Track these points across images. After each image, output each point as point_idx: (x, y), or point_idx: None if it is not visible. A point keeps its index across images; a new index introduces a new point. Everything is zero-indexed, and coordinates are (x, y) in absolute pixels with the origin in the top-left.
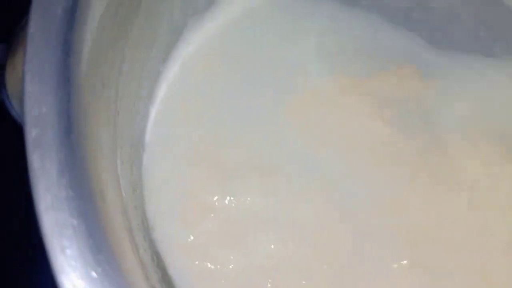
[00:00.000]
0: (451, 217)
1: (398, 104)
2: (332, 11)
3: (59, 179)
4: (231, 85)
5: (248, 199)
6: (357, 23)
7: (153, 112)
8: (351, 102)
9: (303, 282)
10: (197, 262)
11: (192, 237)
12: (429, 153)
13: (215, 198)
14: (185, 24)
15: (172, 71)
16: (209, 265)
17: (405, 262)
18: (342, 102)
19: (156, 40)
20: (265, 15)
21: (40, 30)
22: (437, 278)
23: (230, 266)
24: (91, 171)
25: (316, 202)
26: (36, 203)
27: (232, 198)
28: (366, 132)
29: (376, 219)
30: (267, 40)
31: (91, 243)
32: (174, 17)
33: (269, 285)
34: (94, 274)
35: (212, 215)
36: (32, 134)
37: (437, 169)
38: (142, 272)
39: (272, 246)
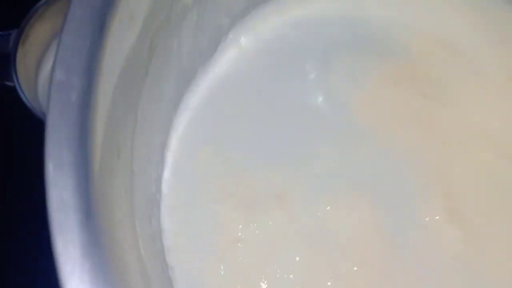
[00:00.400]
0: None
1: None
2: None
3: (82, 264)
4: (243, 124)
5: (270, 223)
6: None
7: (169, 159)
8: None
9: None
10: None
11: (222, 268)
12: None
13: (239, 227)
14: (194, 72)
15: (184, 117)
16: None
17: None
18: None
19: (166, 93)
20: (272, 52)
21: (57, 118)
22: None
23: None
24: (112, 251)
25: (337, 214)
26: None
27: (255, 225)
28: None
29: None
30: (276, 79)
31: None
32: (183, 66)
33: None
34: None
35: (240, 244)
36: (55, 218)
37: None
38: None
39: (299, 261)
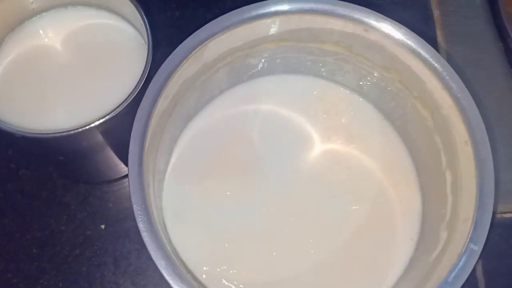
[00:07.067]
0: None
1: None
2: None
3: (137, 174)
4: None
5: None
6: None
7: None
8: None
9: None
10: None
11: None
12: None
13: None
14: (192, 117)
15: (185, 136)
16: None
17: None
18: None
19: (177, 124)
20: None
21: (139, 119)
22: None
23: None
24: (146, 178)
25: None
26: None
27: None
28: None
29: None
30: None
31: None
32: (187, 114)
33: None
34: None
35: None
36: (132, 147)
37: None
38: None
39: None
